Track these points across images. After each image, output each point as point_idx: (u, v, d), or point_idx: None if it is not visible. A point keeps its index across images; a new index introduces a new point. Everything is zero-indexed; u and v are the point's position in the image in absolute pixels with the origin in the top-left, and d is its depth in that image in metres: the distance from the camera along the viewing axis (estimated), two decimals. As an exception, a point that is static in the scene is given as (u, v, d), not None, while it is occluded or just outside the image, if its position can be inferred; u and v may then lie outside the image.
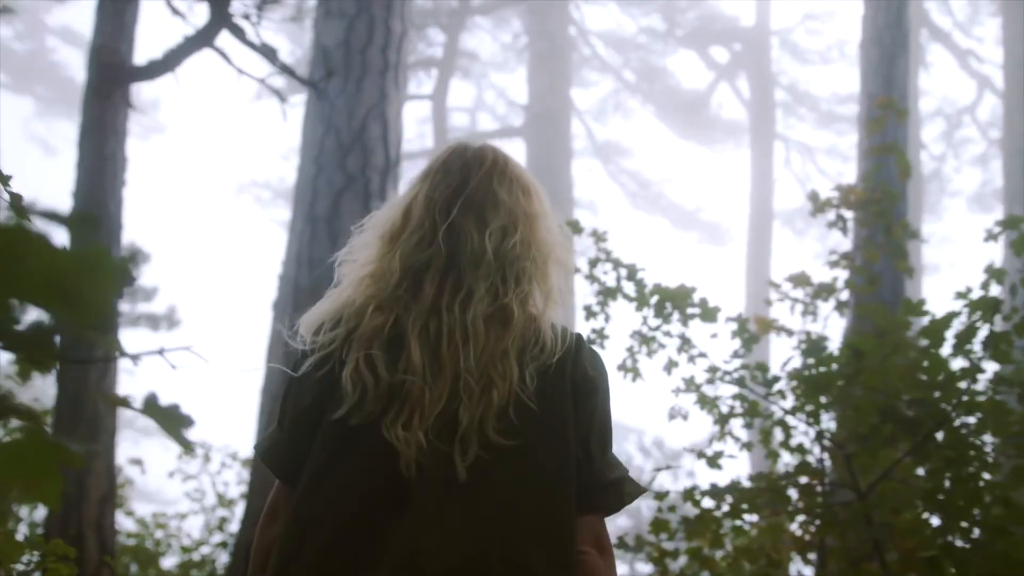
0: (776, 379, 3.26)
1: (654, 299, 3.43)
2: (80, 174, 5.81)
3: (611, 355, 3.97)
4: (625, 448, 25.34)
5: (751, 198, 17.40)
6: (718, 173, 31.73)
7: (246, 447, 7.41)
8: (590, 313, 3.80)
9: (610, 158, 22.05)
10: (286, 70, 5.46)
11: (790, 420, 3.49)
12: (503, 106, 23.17)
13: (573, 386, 1.44)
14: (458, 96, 24.15)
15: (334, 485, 1.37)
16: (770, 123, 17.64)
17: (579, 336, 1.51)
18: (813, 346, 3.39)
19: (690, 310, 3.43)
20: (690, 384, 3.53)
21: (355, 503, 1.35)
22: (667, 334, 3.63)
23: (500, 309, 1.43)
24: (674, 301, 3.32)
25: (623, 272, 3.58)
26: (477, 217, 1.47)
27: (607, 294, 3.72)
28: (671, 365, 3.67)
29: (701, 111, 20.42)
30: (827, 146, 20.01)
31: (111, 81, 5.43)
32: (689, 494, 3.14)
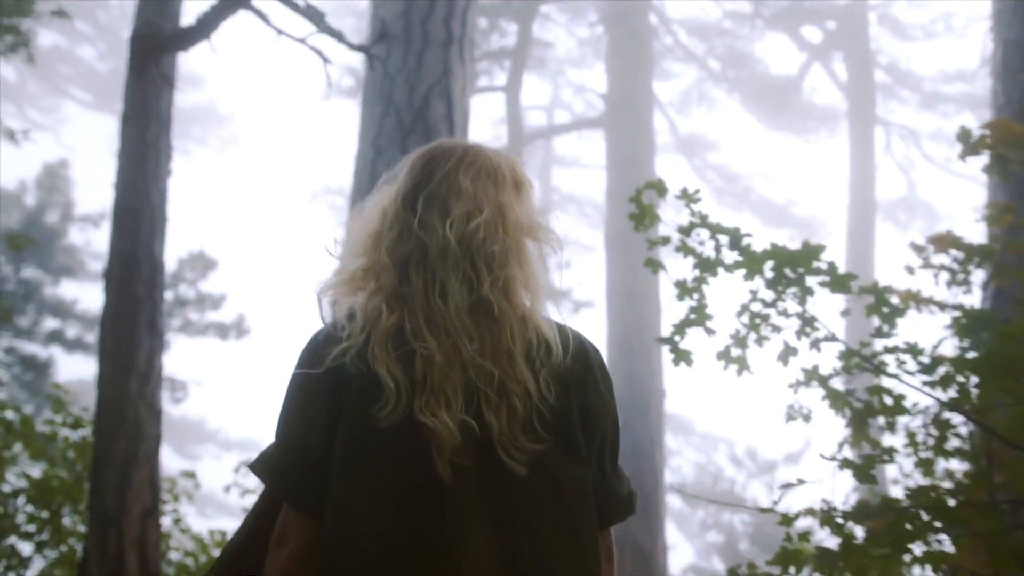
0: (938, 363, 2.49)
1: (769, 264, 2.71)
2: (121, 163, 5.38)
3: (712, 343, 3.23)
4: (714, 459, 24.18)
5: (850, 189, 16.16)
6: (812, 164, 30.29)
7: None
8: (684, 291, 3.08)
9: (695, 152, 21.11)
10: (334, 34, 4.90)
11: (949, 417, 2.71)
12: (580, 103, 22.49)
13: (584, 398, 1.41)
14: (533, 91, 23.57)
15: (368, 500, 1.32)
16: (870, 106, 16.36)
17: (581, 339, 1.46)
18: (975, 322, 2.62)
19: (815, 279, 2.69)
20: (812, 375, 2.80)
21: (390, 515, 1.31)
22: (783, 313, 2.90)
23: (479, 301, 1.38)
24: (795, 264, 2.59)
25: (723, 240, 2.87)
26: (440, 208, 1.44)
27: (705, 267, 3.01)
28: (788, 353, 2.94)
29: (792, 98, 19.31)
30: (932, 130, 18.64)
31: (146, 54, 4.98)
32: (828, 518, 2.39)
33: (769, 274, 2.75)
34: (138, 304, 4.98)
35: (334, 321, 1.43)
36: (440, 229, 1.41)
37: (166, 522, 6.46)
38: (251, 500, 6.54)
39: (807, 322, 2.80)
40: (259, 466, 1.41)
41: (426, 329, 1.35)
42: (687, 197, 2.97)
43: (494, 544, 1.30)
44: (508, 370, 1.34)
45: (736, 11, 18.86)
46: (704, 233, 3.06)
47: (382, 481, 1.31)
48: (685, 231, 3.02)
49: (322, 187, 20.81)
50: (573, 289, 14.35)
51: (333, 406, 1.35)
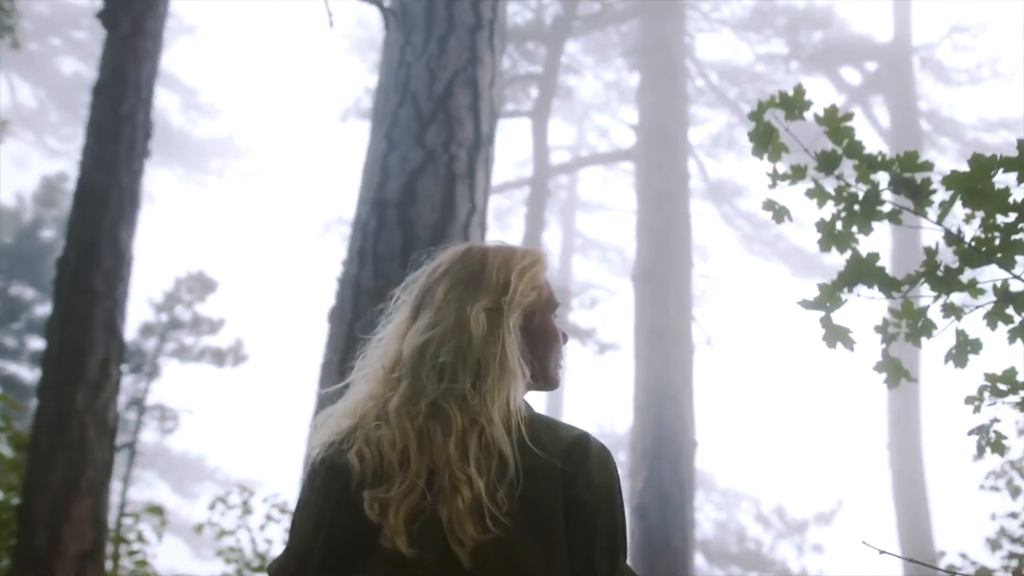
0: None
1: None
2: (89, 138, 4.59)
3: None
4: (737, 518, 22.98)
5: (893, 241, 15.23)
6: None
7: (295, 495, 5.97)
8: (831, 238, 2.23)
9: (724, 198, 20.34)
10: (342, -14, 4.12)
11: None
12: (606, 144, 21.80)
13: (572, 500, 1.40)
14: (558, 132, 22.93)
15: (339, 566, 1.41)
16: (914, 147, 15.50)
17: (585, 436, 1.46)
18: None
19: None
20: (1012, 381, 1.92)
21: None
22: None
23: (436, 409, 1.44)
24: None
25: (882, 179, 2.04)
26: (414, 316, 1.52)
27: (869, 203, 2.16)
28: (966, 349, 2.08)
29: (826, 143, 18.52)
30: (973, 181, 17.79)
31: (120, 5, 4.20)
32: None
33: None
34: (95, 300, 4.15)
35: (337, 421, 1.52)
36: (412, 337, 1.49)
37: (127, 564, 5.54)
38: (227, 541, 5.62)
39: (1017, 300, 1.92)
40: (272, 571, 1.52)
41: (412, 433, 1.42)
42: (832, 118, 2.12)
43: None
44: (458, 474, 1.38)
45: (770, 53, 18.23)
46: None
47: (348, 550, 1.41)
48: (826, 161, 2.15)
49: (336, 218, 20.09)
50: (597, 329, 13.47)
51: (321, 501, 1.47)
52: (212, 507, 5.51)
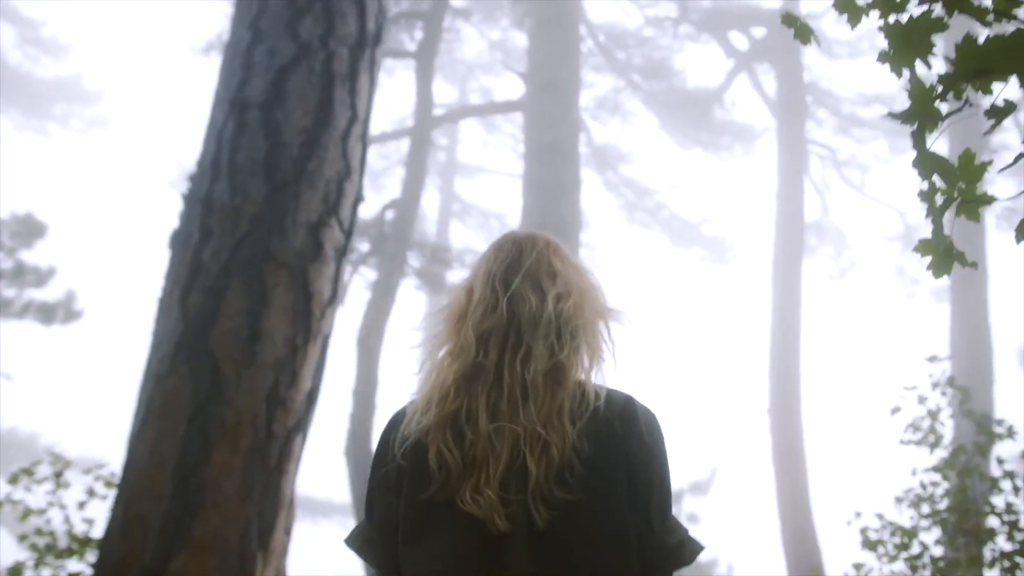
0: None
1: None
2: None
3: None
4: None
5: (778, 210, 15.08)
6: (725, 182, 29.61)
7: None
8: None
9: (608, 164, 19.94)
10: None
11: None
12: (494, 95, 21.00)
13: (628, 455, 1.51)
14: (439, 91, 21.95)
15: (431, 554, 1.51)
16: (799, 123, 15.35)
17: (631, 400, 1.58)
18: None
19: None
20: None
21: (450, 569, 1.49)
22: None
23: (555, 366, 1.55)
24: None
25: None
26: (534, 285, 1.61)
27: None
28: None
29: (709, 113, 18.38)
30: (847, 156, 18.00)
31: None
32: None
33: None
34: None
35: (413, 406, 1.61)
36: (535, 302, 1.58)
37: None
38: (36, 522, 4.57)
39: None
40: (352, 540, 1.67)
41: (485, 402, 1.53)
42: None
43: None
44: (555, 423, 1.48)
45: (659, 17, 17.85)
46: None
47: (439, 536, 1.51)
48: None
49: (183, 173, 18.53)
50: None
51: (399, 484, 1.58)
52: (13, 480, 4.45)
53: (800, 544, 12.31)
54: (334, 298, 4.39)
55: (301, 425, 4.14)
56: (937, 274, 1.54)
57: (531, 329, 1.55)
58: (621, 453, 1.49)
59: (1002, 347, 13.14)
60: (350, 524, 11.87)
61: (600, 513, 1.46)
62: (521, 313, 1.56)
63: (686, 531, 1.57)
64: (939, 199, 1.53)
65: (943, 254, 1.52)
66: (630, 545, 1.47)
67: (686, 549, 1.54)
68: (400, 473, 1.55)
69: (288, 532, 4.29)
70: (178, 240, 4.17)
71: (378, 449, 1.63)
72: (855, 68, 19.76)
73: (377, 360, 10.22)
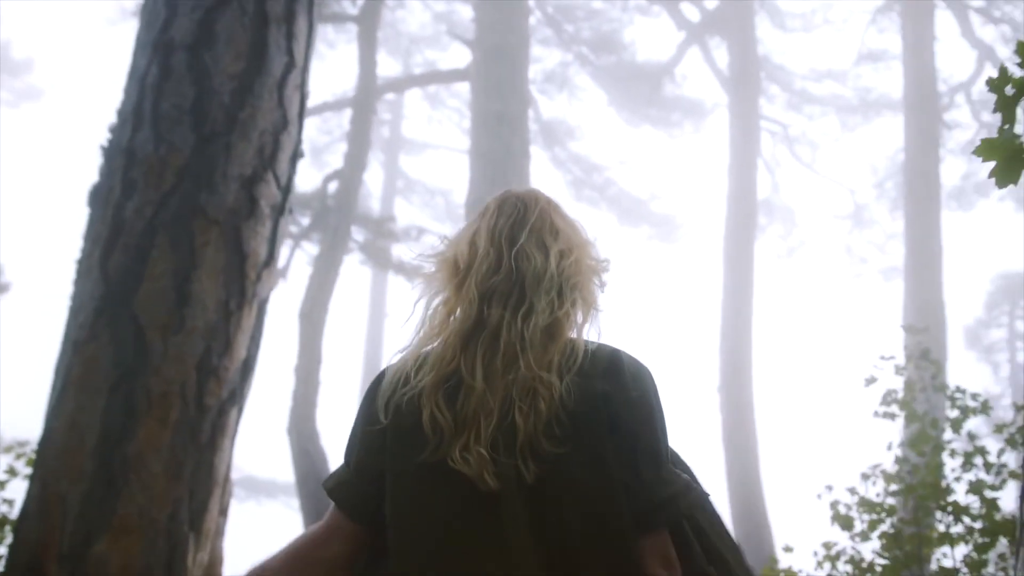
0: None
1: None
2: None
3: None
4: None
5: (729, 187, 14.93)
6: (674, 159, 29.52)
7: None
8: None
9: (555, 140, 19.70)
10: None
11: None
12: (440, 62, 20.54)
13: (611, 407, 1.50)
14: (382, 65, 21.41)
15: (425, 518, 1.51)
16: (752, 98, 15.19)
17: (617, 353, 1.58)
18: None
19: None
20: None
21: (444, 529, 1.50)
22: None
23: (554, 322, 1.56)
24: None
25: None
26: (538, 242, 1.62)
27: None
28: None
29: (659, 89, 18.22)
30: (797, 133, 18.01)
31: None
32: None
33: None
34: None
35: (404, 361, 1.60)
36: (540, 259, 1.59)
37: None
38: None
39: None
40: (327, 481, 1.67)
41: (482, 359, 1.52)
42: None
43: (533, 547, 1.45)
44: (543, 377, 1.49)
45: (608, -11, 17.58)
46: None
47: (431, 497, 1.50)
48: None
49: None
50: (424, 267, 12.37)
51: (383, 443, 1.56)
52: (-81, 455, 4.06)
53: (749, 520, 12.31)
54: (271, 260, 4.07)
55: (236, 397, 3.83)
56: (1002, 182, 1.30)
57: (535, 286, 1.56)
58: (604, 404, 1.49)
59: (951, 327, 13.25)
60: (296, 504, 11.50)
61: (586, 464, 1.45)
62: (526, 270, 1.57)
63: (685, 483, 1.53)
64: (1009, 90, 1.29)
65: (1012, 157, 1.28)
66: (619, 498, 1.46)
67: (680, 501, 1.51)
68: (392, 434, 1.54)
69: (224, 512, 3.98)
70: (98, 196, 3.80)
71: (365, 406, 1.63)
72: (808, 42, 19.79)
73: (320, 336, 9.86)
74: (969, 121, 16.12)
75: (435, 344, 1.57)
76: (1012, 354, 22.40)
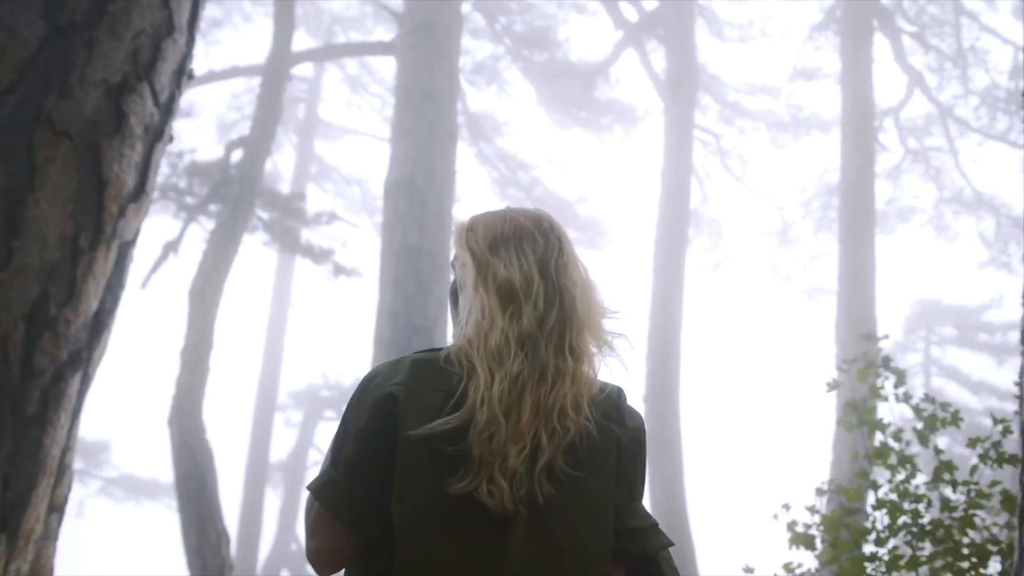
0: None
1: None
2: None
3: None
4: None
5: (662, 194, 14.45)
6: (602, 162, 29.12)
7: None
8: None
9: (481, 135, 19.03)
10: None
11: None
12: (354, 63, 19.62)
13: (619, 441, 1.62)
14: (300, 40, 20.37)
15: (440, 541, 1.50)
16: (688, 103, 14.73)
17: (620, 390, 1.70)
18: None
19: None
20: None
21: (456, 548, 1.50)
22: None
23: (588, 358, 1.64)
24: None
25: None
26: (570, 277, 1.67)
27: None
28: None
29: (591, 90, 17.74)
30: (729, 145, 17.75)
31: None
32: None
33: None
34: None
35: (433, 376, 1.59)
36: (576, 296, 1.65)
37: None
38: None
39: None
40: (313, 483, 1.63)
41: (528, 402, 1.54)
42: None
43: (534, 563, 1.50)
44: (577, 403, 1.57)
45: (545, -18, 17.00)
46: None
47: (453, 524, 1.50)
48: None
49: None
50: (335, 251, 11.51)
51: (397, 449, 1.55)
52: None
53: (672, 534, 11.81)
54: (141, 193, 3.22)
55: (79, 360, 2.97)
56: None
57: (574, 322, 1.62)
58: (615, 438, 1.61)
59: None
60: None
61: (596, 491, 1.55)
62: (569, 307, 1.63)
63: (655, 523, 1.67)
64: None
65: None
66: (610, 526, 1.58)
67: (661, 533, 1.67)
68: (418, 455, 1.52)
69: (58, 510, 3.11)
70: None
71: (365, 406, 1.60)
72: (745, 53, 19.58)
73: (213, 318, 8.88)
74: (896, 146, 16.08)
75: (477, 367, 1.55)
76: (927, 379, 22.73)
